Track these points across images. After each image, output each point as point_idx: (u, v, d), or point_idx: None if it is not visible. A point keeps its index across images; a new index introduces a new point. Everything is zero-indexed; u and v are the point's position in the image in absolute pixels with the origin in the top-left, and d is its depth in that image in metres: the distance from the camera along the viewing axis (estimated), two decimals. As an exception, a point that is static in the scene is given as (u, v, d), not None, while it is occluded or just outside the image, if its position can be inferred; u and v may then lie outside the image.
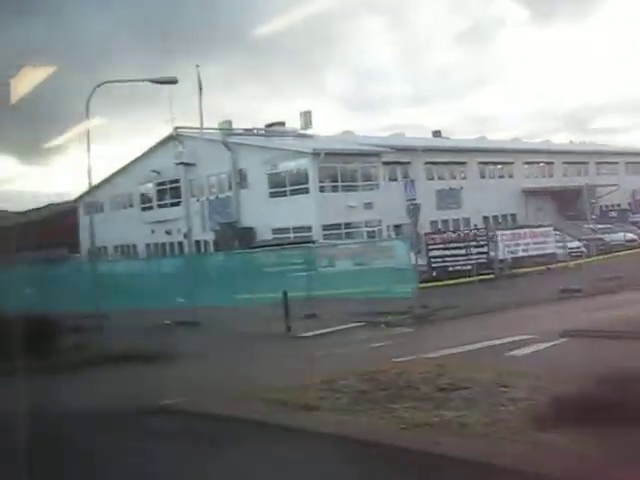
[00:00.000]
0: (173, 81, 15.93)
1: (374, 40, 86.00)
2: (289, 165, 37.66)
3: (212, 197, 41.93)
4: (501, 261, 26.99)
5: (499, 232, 27.83)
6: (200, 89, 33.02)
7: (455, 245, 26.30)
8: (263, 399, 9.40)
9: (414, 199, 19.07)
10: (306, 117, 47.08)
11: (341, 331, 16.76)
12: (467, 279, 25.39)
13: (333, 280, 24.29)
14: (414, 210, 18.89)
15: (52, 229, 60.31)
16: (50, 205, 70.94)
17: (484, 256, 26.63)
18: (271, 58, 74.84)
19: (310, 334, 16.44)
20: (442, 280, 24.53)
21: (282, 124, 47.53)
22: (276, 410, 8.83)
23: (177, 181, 45.00)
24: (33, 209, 73.36)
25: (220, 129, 42.50)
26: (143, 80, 15.88)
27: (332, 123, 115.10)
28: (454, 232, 28.69)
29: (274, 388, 9.87)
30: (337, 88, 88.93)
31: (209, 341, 16.36)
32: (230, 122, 46.46)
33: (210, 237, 40.97)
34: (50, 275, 30.50)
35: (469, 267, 26.15)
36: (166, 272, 31.02)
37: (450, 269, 25.99)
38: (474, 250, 26.37)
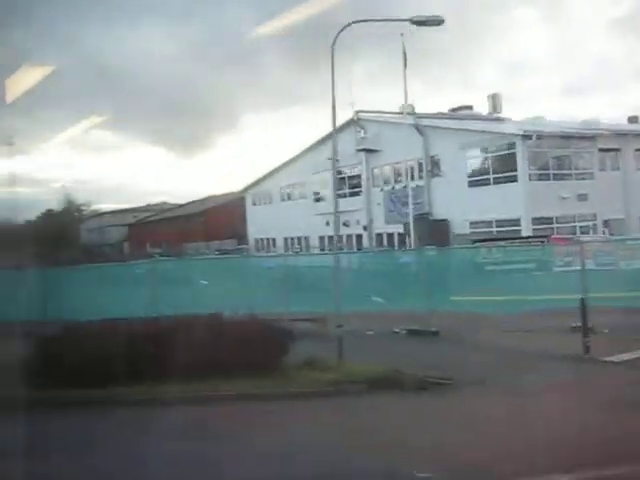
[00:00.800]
0: (438, 21, 12.14)
1: (529, 30, 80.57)
2: (494, 150, 33.22)
3: (398, 186, 38.19)
4: None
5: None
6: (405, 61, 29.19)
7: None
8: None
9: None
10: (494, 100, 42.62)
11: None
12: None
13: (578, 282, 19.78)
14: None
15: (216, 220, 59.04)
16: (211, 197, 70.00)
17: None
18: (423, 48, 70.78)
19: (617, 359, 12.20)
20: None
21: (469, 107, 43.28)
22: None
23: (357, 169, 41.65)
24: (194, 201, 72.89)
25: (408, 113, 38.64)
26: (402, 20, 12.24)
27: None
28: None
29: None
30: (493, 79, 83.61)
31: (487, 362, 12.40)
32: (412, 106, 42.70)
33: (395, 229, 37.28)
34: (224, 268, 26.81)
35: None
36: (355, 268, 27.29)
37: None
38: None
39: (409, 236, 34.34)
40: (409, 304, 18.65)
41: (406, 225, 35.56)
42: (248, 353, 11.03)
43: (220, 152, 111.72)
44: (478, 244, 23.65)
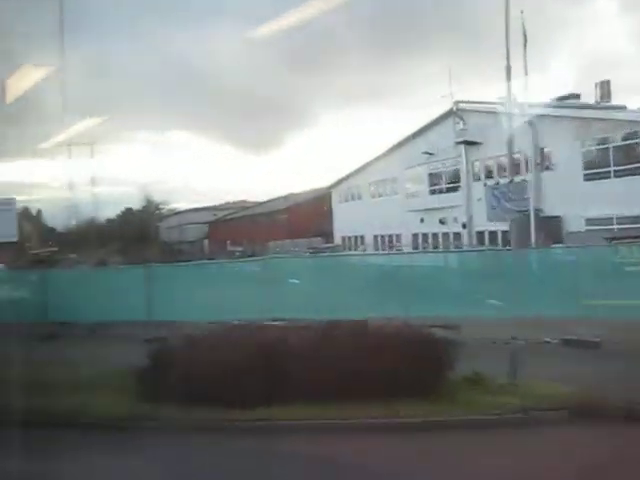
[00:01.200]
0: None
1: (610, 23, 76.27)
2: (615, 140, 30.34)
3: (502, 181, 35.60)
4: None
5: None
6: (525, 40, 26.60)
7: None
8: None
9: None
10: (603, 88, 39.53)
11: None
12: None
13: None
14: None
15: (301, 218, 57.43)
16: (293, 194, 68.43)
17: None
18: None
19: None
20: None
21: (577, 96, 40.34)
22: None
23: (456, 163, 39.25)
24: (275, 198, 71.48)
25: (514, 103, 36.05)
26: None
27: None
28: None
29: None
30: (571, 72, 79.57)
31: None
32: (514, 96, 40.13)
33: (498, 227, 34.73)
34: (316, 266, 24.27)
35: None
36: (460, 269, 24.83)
37: None
38: None
39: (510, 234, 31.82)
40: (533, 309, 16.37)
41: (514, 222, 33.04)
42: (405, 369, 9.11)
43: (297, 150, 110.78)
44: (614, 242, 21.09)
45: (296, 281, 20.68)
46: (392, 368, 9.03)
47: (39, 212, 76.90)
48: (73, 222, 70.62)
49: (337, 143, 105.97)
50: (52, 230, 78.54)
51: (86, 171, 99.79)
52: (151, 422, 8.80)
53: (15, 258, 42.66)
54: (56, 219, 73.25)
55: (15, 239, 54.42)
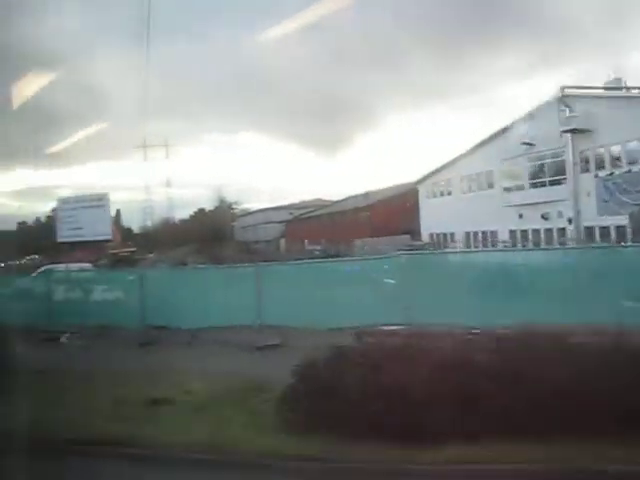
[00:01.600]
0: None
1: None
2: None
3: (617, 172, 32.59)
4: None
5: None
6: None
7: None
8: None
9: None
10: None
11: None
12: None
13: None
14: None
15: (384, 215, 55.25)
16: (371, 191, 66.31)
17: None
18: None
19: None
20: None
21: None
22: None
23: (561, 154, 36.30)
24: (353, 195, 69.47)
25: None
26: None
27: None
28: None
29: None
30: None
31: None
32: (619, 80, 37.20)
33: (610, 222, 31.79)
34: (438, 265, 20.93)
35: None
36: (585, 268, 21.83)
37: None
38: None
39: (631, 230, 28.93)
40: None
41: (632, 216, 30.09)
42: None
43: (370, 149, 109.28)
44: None
45: (391, 280, 18.30)
46: (620, 392, 6.82)
47: (118, 213, 77.22)
48: (149, 222, 70.66)
49: (410, 142, 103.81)
50: (129, 230, 78.86)
51: (160, 172, 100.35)
52: (304, 462, 6.77)
53: (97, 257, 41.94)
54: (132, 219, 73.45)
55: (110, 237, 53.95)
